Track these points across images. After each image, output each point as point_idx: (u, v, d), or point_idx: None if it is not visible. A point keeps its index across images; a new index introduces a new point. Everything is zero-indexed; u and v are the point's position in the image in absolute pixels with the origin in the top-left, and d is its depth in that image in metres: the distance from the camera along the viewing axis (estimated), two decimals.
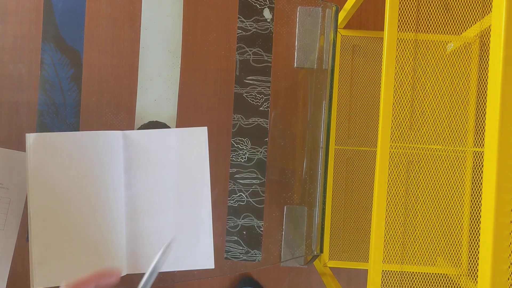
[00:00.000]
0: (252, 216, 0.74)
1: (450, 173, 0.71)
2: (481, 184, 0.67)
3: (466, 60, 0.73)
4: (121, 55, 0.75)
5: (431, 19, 0.69)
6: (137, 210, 0.67)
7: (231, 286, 1.16)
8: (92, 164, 0.66)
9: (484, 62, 0.76)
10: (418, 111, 0.70)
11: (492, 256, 0.39)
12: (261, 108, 0.75)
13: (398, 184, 0.67)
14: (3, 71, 0.74)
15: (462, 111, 0.73)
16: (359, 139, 1.04)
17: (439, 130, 0.71)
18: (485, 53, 0.78)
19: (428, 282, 0.68)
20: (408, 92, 0.66)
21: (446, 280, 0.69)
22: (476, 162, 0.73)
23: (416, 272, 0.68)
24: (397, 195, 0.66)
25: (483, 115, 0.71)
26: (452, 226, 0.71)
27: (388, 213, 0.61)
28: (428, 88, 0.71)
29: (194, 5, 0.76)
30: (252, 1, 0.75)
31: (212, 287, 1.17)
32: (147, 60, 0.73)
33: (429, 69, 0.71)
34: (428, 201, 0.71)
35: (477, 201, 0.70)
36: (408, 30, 0.65)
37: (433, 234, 0.71)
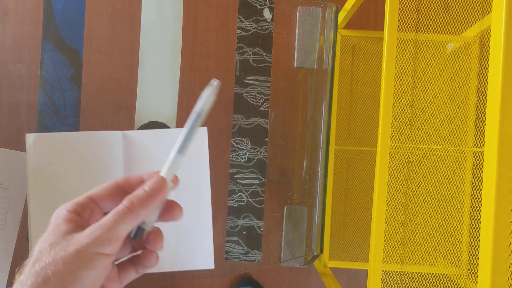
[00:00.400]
0: (252, 216, 0.74)
1: (450, 173, 0.71)
2: (481, 184, 0.67)
3: (466, 60, 0.73)
4: (121, 55, 0.75)
5: (431, 19, 0.69)
6: None
7: (231, 286, 1.16)
8: (92, 164, 0.66)
9: (484, 62, 0.76)
10: (418, 111, 0.70)
11: (492, 256, 0.39)
12: (261, 108, 0.75)
13: (398, 184, 0.67)
14: (3, 71, 0.74)
15: (462, 111, 0.73)
16: (359, 139, 1.04)
17: (439, 130, 0.71)
18: (485, 53, 0.78)
19: (428, 282, 0.68)
20: (408, 92, 0.66)
21: (446, 280, 0.69)
22: (476, 162, 0.73)
23: (416, 272, 0.68)
24: (397, 195, 0.66)
25: (483, 115, 0.71)
26: (452, 226, 0.71)
27: (388, 213, 0.61)
28: (428, 88, 0.71)
29: (194, 5, 0.76)
30: (252, 1, 0.75)
31: (212, 287, 1.17)
32: (147, 60, 0.73)
33: (429, 69, 0.71)
34: (428, 201, 0.71)
35: (477, 201, 0.69)
36: (408, 30, 0.65)
37: (433, 234, 0.71)
